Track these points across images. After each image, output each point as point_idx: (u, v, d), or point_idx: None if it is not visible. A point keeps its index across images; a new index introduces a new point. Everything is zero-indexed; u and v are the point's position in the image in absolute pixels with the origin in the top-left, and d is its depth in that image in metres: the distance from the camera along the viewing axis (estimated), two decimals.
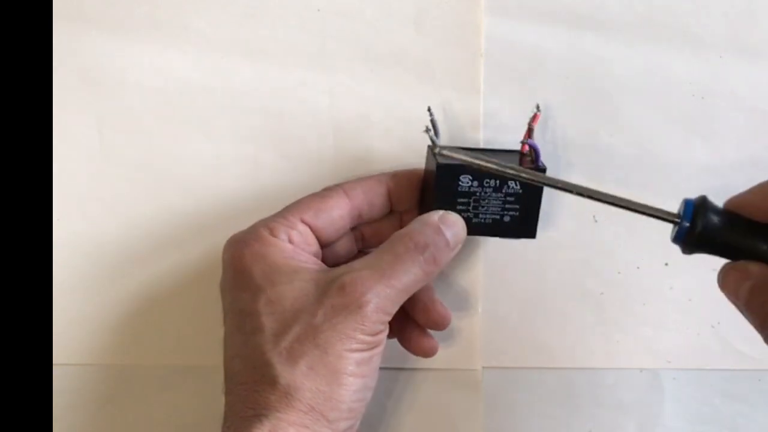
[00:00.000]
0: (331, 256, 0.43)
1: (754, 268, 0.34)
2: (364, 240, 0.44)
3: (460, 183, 0.40)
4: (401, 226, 0.44)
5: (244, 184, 0.45)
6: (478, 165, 0.37)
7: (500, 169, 0.37)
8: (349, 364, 0.37)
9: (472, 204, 0.41)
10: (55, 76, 0.44)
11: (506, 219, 0.42)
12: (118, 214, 0.46)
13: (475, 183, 0.40)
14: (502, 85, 0.44)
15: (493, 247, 0.46)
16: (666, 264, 0.46)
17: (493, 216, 0.41)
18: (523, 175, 0.37)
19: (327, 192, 0.42)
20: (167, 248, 0.46)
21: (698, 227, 0.34)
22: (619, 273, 0.47)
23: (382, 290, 0.38)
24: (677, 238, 0.35)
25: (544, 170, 0.41)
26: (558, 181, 0.37)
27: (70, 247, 0.46)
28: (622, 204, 0.36)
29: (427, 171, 0.42)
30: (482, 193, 0.41)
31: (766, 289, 0.33)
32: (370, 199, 0.42)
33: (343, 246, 0.44)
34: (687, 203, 0.35)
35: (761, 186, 0.35)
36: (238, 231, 0.41)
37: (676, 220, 0.35)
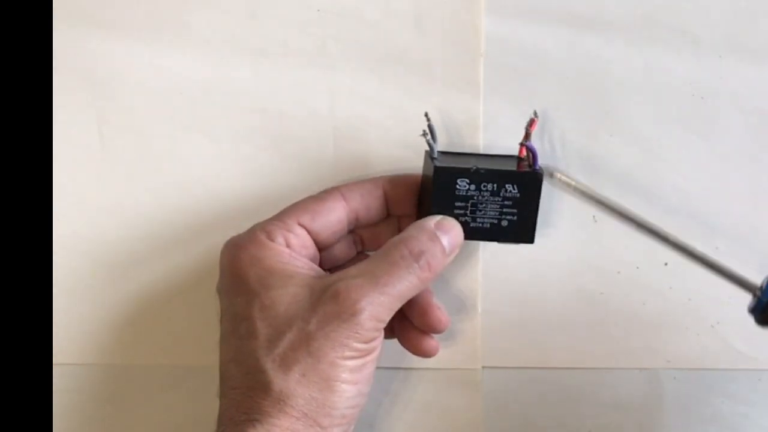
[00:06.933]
0: (329, 259, 0.43)
1: None
2: (362, 243, 0.44)
3: (458, 186, 0.40)
4: (399, 230, 0.44)
5: (244, 184, 0.45)
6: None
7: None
8: (343, 371, 0.37)
9: (469, 208, 0.41)
10: (55, 76, 0.43)
11: (504, 223, 0.42)
12: (117, 213, 0.46)
13: (473, 187, 0.40)
14: (502, 85, 0.44)
15: (492, 246, 0.46)
16: (666, 264, 0.46)
17: (491, 220, 0.41)
18: None
19: (324, 195, 0.42)
20: (167, 248, 0.46)
21: None
22: (619, 273, 0.47)
23: (376, 298, 0.37)
24: (754, 310, 0.37)
25: (541, 173, 0.41)
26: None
27: (70, 247, 0.46)
28: (700, 259, 0.38)
29: (425, 176, 0.42)
30: (480, 197, 0.41)
31: None
32: (367, 203, 0.42)
33: (342, 249, 0.43)
34: None
35: None
36: (237, 231, 0.41)
37: (757, 292, 0.36)
